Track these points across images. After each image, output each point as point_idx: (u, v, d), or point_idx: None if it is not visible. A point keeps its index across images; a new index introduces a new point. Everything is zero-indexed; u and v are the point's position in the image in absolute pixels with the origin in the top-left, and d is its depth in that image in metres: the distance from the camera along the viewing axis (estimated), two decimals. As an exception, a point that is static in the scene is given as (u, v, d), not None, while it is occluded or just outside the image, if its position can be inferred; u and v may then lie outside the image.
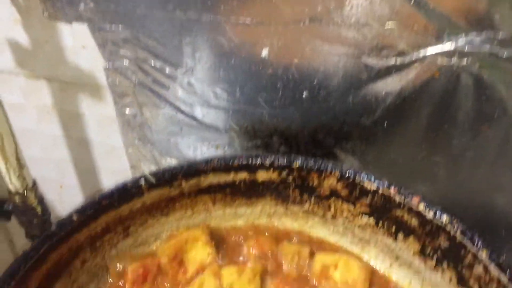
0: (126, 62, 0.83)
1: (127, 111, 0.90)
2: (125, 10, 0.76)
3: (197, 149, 0.93)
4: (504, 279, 0.58)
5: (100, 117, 0.93)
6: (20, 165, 0.88)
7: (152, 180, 0.69)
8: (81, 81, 0.88)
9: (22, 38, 0.83)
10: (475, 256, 0.62)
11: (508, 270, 0.58)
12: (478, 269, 0.62)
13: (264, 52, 0.76)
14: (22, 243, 1.03)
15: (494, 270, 0.59)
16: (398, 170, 0.85)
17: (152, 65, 0.82)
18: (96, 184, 1.07)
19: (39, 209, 0.96)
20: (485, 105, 0.73)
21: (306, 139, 0.87)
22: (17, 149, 0.86)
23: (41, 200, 0.96)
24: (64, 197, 1.11)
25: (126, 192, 0.68)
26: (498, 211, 0.86)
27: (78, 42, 0.82)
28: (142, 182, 0.69)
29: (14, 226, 1.01)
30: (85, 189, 1.10)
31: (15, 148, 0.86)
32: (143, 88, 0.86)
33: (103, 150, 1.00)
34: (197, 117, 0.88)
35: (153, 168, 0.97)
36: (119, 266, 0.70)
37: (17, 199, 0.92)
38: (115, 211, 0.68)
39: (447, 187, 0.84)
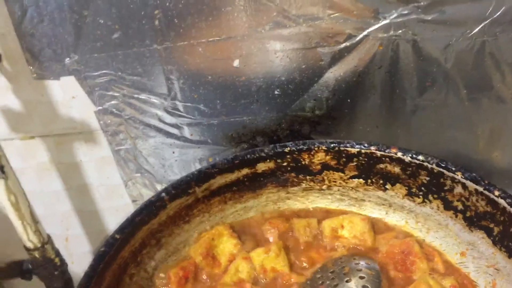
0: (114, 102, 0.92)
1: (121, 147, 0.99)
2: (108, 55, 0.86)
3: (191, 167, 1.03)
4: (480, 188, 0.72)
5: (97, 160, 1.01)
6: (35, 220, 0.94)
7: (171, 189, 0.79)
8: (75, 130, 0.96)
9: (14, 103, 0.90)
10: (453, 180, 0.76)
11: (481, 180, 0.72)
12: (458, 190, 0.76)
13: (236, 63, 0.88)
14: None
15: (471, 184, 0.73)
16: (367, 139, 0.98)
17: (139, 98, 0.92)
18: (101, 227, 1.13)
19: (57, 261, 1.01)
20: (423, 64, 0.89)
21: (285, 132, 0.99)
22: (30, 206, 0.92)
23: (57, 252, 1.01)
24: (71, 249, 1.16)
25: (152, 206, 0.77)
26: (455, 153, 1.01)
27: (68, 94, 0.90)
28: (164, 194, 0.78)
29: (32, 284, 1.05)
30: (91, 235, 1.15)
31: (28, 205, 0.92)
32: (133, 122, 0.95)
33: (104, 192, 1.07)
34: (186, 136, 0.98)
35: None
36: (162, 276, 0.78)
37: (36, 254, 0.97)
38: (147, 225, 0.77)
39: (410, 146, 0.99)
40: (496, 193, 0.70)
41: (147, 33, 0.85)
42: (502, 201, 0.69)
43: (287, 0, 0.82)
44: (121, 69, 0.89)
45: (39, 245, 0.96)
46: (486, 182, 0.71)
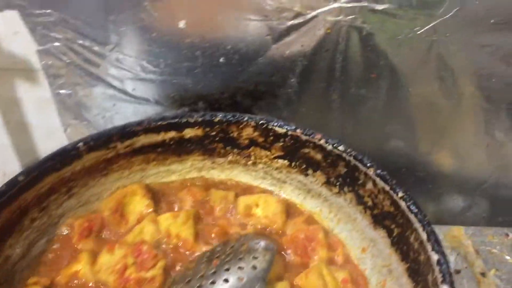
0: (57, 44, 0.90)
1: (62, 92, 0.98)
2: (51, -5, 0.84)
3: (131, 122, 1.02)
4: (386, 187, 0.71)
5: (38, 100, 1.00)
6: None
7: (90, 141, 0.78)
8: (16, 66, 0.94)
9: (-46, 31, 0.89)
10: (366, 175, 0.75)
11: (389, 180, 0.71)
12: (369, 186, 0.75)
13: (182, 24, 0.86)
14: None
15: (379, 182, 0.73)
16: (308, 121, 0.97)
17: (81, 44, 0.90)
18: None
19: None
20: (370, 54, 0.87)
21: (227, 102, 0.98)
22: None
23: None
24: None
25: (66, 155, 0.77)
26: (395, 151, 1.00)
27: (10, 29, 0.89)
28: (81, 145, 0.78)
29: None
30: (30, 173, 1.15)
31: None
32: (75, 67, 0.94)
33: (43, 133, 1.06)
34: (127, 91, 0.97)
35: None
36: (66, 224, 0.79)
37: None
38: (57, 173, 0.77)
39: (351, 135, 0.98)
40: (400, 194, 0.69)
41: (93, -22, 0.83)
42: (402, 204, 0.69)
43: (236, -33, 0.79)
44: (65, 11, 0.87)
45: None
46: (394, 182, 0.71)
